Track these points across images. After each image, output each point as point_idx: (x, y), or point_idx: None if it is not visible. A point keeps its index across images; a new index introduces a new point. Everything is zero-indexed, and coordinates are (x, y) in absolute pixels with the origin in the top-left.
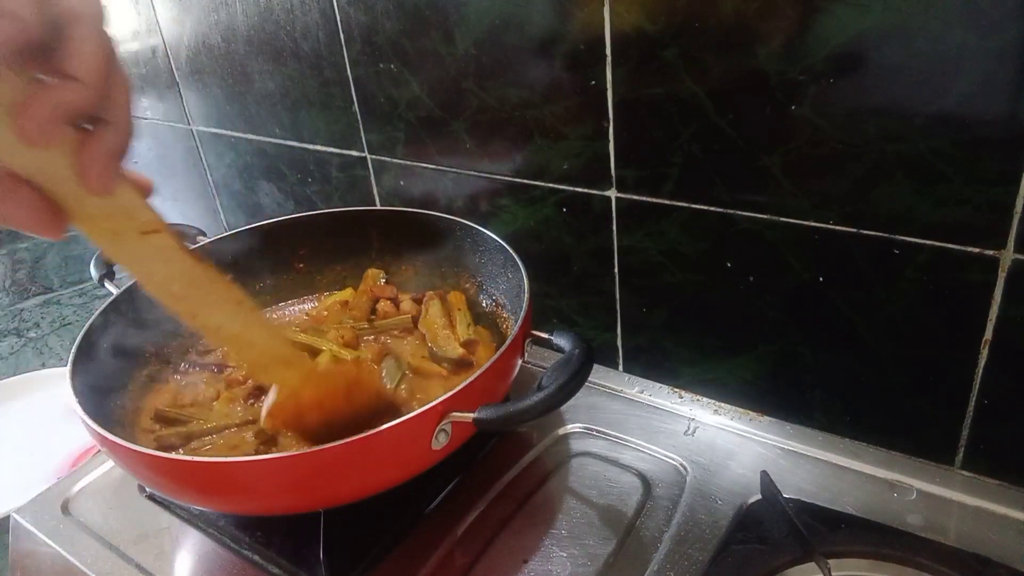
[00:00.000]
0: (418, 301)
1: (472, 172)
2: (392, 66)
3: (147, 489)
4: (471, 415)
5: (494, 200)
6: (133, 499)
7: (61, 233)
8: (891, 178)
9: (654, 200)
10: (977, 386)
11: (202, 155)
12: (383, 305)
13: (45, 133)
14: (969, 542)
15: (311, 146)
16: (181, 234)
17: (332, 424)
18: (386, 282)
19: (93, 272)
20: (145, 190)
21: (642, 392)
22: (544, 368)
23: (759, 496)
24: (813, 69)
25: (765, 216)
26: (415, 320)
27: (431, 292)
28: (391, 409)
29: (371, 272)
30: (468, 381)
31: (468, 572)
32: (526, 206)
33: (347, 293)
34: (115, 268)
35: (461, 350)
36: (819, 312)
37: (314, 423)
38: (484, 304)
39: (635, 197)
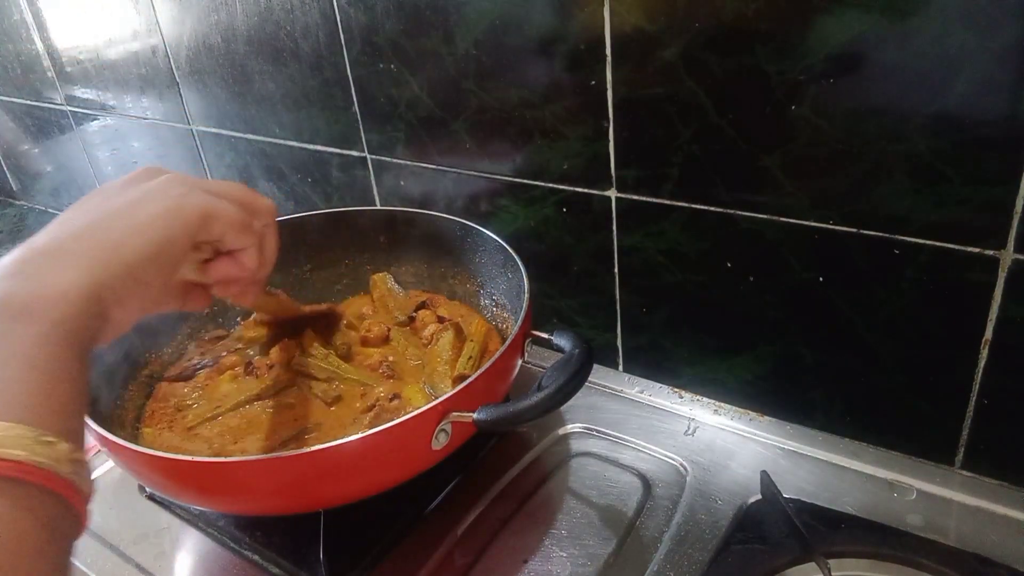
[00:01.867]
0: (443, 320)
1: (472, 172)
2: (392, 66)
3: (147, 489)
4: (471, 415)
5: (494, 200)
6: (133, 499)
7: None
8: (891, 178)
9: (654, 200)
10: (977, 386)
11: (202, 155)
12: (424, 315)
13: (250, 298)
14: (969, 542)
15: (311, 146)
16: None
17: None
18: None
19: None
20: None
21: (642, 392)
22: (544, 368)
23: (759, 496)
24: (813, 69)
25: (765, 216)
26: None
27: (450, 321)
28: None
29: (379, 277)
30: (468, 381)
31: (468, 572)
32: (526, 206)
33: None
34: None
35: (449, 390)
36: (819, 312)
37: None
38: (484, 304)
39: (635, 197)
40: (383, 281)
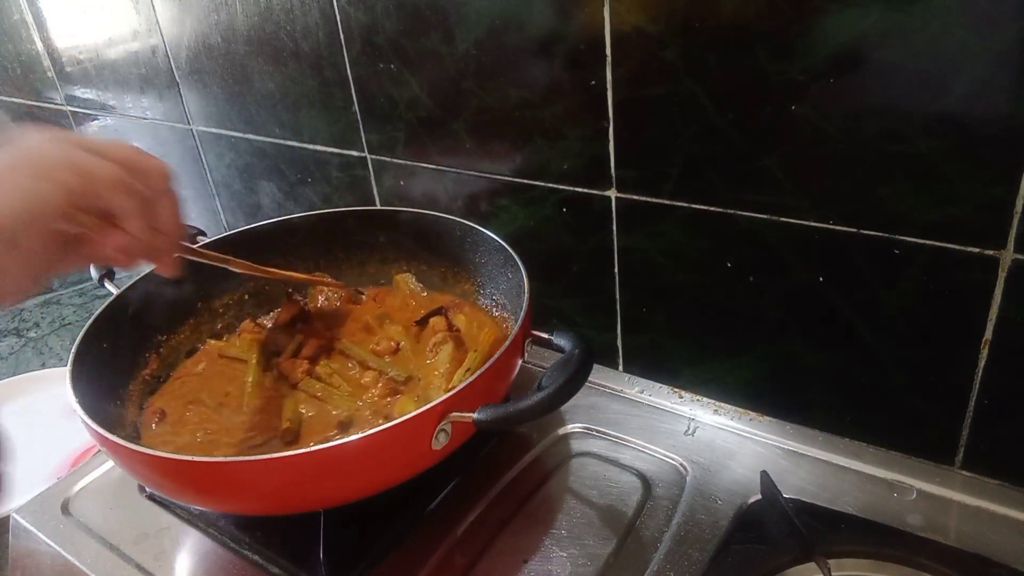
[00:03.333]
0: (451, 328)
1: (472, 172)
2: (392, 66)
3: (147, 489)
4: (471, 415)
5: (494, 200)
6: (133, 499)
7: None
8: (891, 178)
9: (654, 200)
10: (977, 386)
11: (202, 155)
12: (436, 321)
13: (167, 267)
14: (969, 542)
15: (311, 146)
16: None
17: None
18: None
19: (93, 272)
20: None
21: (642, 392)
22: (544, 368)
23: (759, 496)
24: (813, 69)
25: (765, 216)
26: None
27: (451, 333)
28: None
29: (402, 278)
30: (468, 381)
31: (468, 572)
32: (526, 206)
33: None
34: (114, 269)
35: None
36: (819, 312)
37: None
38: (484, 304)
39: (635, 197)
40: (405, 283)
